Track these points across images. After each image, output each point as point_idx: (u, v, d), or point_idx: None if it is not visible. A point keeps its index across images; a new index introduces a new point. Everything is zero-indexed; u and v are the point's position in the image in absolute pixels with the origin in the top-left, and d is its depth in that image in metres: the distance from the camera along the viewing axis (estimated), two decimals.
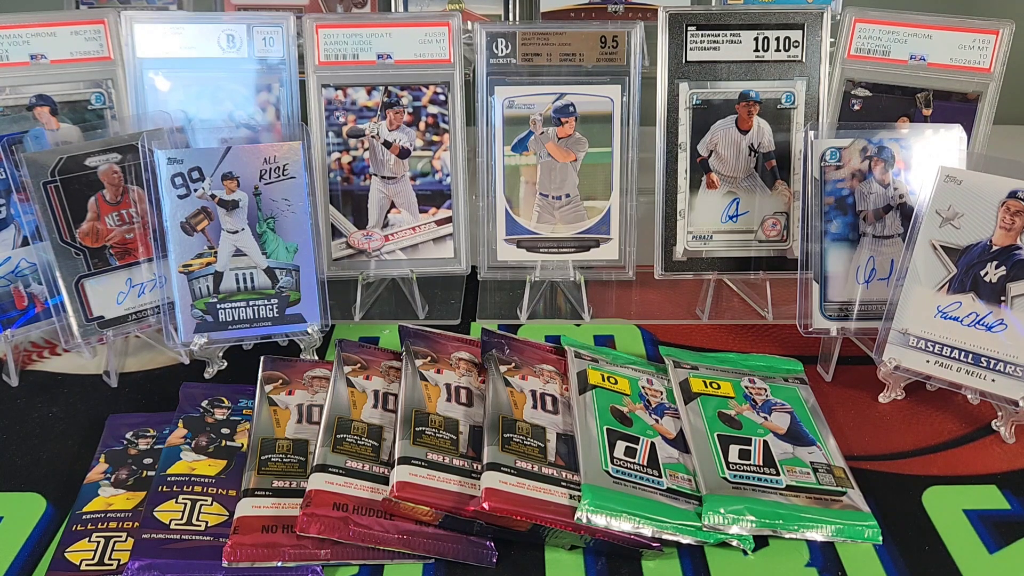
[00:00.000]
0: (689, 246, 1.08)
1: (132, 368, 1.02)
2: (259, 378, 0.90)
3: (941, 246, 0.90)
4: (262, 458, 0.81)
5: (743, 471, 0.81)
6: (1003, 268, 0.87)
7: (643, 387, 0.92)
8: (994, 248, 0.88)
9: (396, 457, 0.78)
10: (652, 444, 0.84)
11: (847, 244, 0.98)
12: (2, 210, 0.97)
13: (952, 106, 1.04)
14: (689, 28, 1.04)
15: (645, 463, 0.82)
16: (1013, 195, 0.87)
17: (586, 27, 1.06)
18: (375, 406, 0.87)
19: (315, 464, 0.79)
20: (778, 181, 1.07)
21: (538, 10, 1.34)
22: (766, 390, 0.93)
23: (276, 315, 0.98)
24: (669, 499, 0.78)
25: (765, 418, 0.89)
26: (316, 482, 0.77)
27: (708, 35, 1.04)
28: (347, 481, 0.78)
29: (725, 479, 0.80)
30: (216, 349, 0.99)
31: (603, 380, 0.91)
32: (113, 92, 1.06)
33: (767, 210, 1.07)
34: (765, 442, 0.85)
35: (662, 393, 0.92)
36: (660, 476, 0.80)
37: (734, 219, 1.08)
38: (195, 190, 0.94)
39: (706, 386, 0.92)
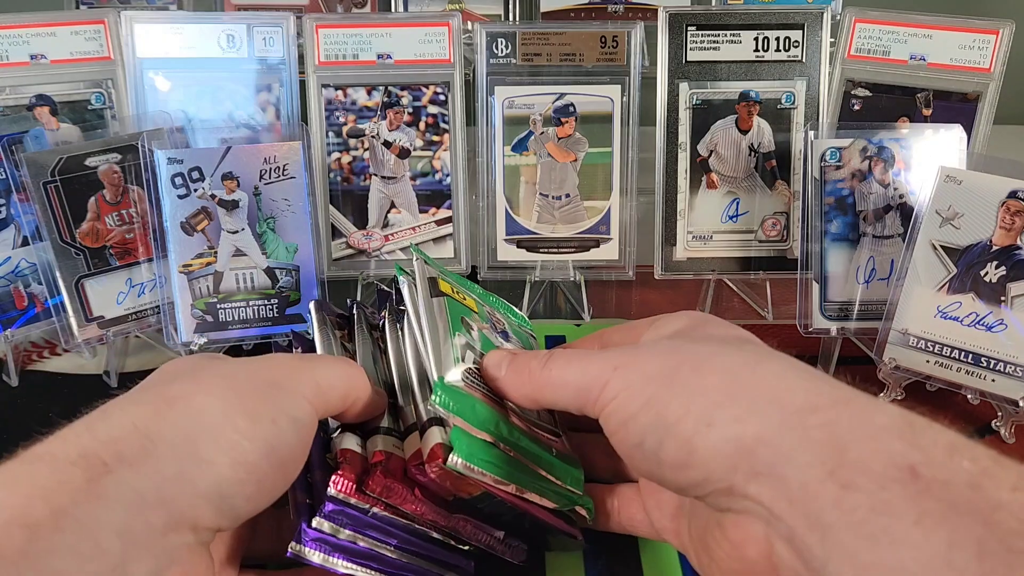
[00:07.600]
0: (689, 246, 1.08)
1: (132, 368, 1.02)
2: None
3: (941, 246, 0.90)
4: None
5: None
6: (1003, 268, 0.87)
7: (488, 312, 0.80)
8: (994, 248, 0.88)
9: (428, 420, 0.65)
10: None
11: (847, 244, 0.98)
12: (2, 210, 0.97)
13: (952, 106, 1.04)
14: (689, 28, 1.04)
15: None
16: (1013, 195, 0.87)
17: (586, 27, 1.06)
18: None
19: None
20: (778, 181, 1.07)
21: (538, 10, 1.34)
22: None
23: (276, 315, 0.98)
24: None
25: None
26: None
27: (708, 35, 1.04)
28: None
29: None
30: (216, 349, 0.99)
31: (453, 292, 0.76)
32: (113, 92, 1.06)
33: (767, 210, 1.07)
34: None
35: (504, 323, 0.81)
36: None
37: (734, 219, 1.08)
38: (195, 190, 0.94)
39: None
